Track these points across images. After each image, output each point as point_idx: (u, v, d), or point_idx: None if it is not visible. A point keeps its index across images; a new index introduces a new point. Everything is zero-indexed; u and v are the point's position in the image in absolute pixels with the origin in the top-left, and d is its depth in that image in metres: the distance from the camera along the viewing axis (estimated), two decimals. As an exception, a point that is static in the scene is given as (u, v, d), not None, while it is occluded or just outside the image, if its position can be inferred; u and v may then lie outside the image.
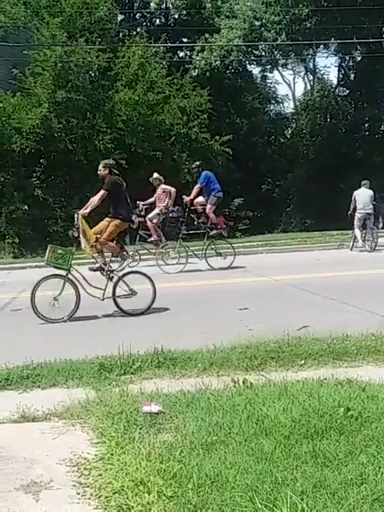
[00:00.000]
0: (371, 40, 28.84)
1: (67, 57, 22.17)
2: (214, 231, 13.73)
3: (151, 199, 14.55)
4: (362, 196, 17.01)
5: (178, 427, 3.80)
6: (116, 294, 8.42)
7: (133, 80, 24.73)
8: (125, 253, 9.10)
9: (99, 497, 3.04)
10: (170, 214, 13.67)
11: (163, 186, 14.65)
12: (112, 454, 3.47)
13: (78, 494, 3.10)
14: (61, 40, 22.28)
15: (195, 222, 13.86)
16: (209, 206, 13.67)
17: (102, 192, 8.92)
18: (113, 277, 8.60)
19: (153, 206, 14.45)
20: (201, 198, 13.78)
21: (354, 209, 16.95)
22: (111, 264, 8.89)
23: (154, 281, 8.60)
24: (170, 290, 10.88)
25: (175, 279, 12.06)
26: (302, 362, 5.31)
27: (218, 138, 26.61)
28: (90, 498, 3.05)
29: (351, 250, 16.96)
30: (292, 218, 33.11)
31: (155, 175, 14.86)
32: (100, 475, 3.26)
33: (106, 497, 3.02)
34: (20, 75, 21.90)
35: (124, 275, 8.64)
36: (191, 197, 13.71)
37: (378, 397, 4.09)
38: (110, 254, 9.08)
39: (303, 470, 3.12)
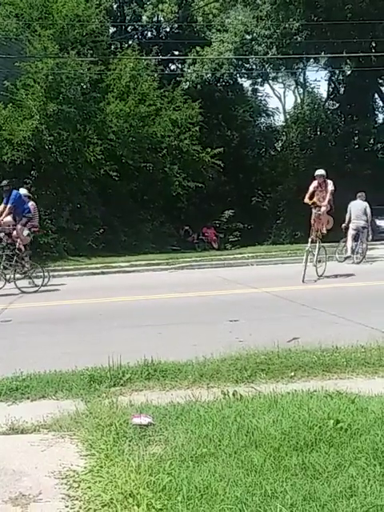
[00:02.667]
0: (361, 54, 29.12)
1: (59, 69, 22.21)
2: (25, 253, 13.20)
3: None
4: (356, 207, 17.14)
5: (167, 439, 3.79)
6: None
7: (124, 92, 24.85)
8: None
9: (88, 510, 3.02)
10: None
11: (32, 202, 14.24)
12: (101, 467, 3.45)
13: (67, 506, 3.08)
14: (52, 52, 22.32)
15: (2, 243, 13.01)
16: (19, 227, 13.06)
17: None
18: None
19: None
20: (8, 218, 13.05)
21: (349, 220, 17.05)
22: None
23: None
24: (160, 301, 10.88)
25: (162, 291, 12.06)
26: (292, 373, 5.31)
27: (208, 150, 26.75)
28: (78, 511, 3.03)
29: (341, 261, 17.04)
30: (282, 230, 33.17)
31: (23, 191, 14.19)
32: (89, 488, 3.24)
33: (95, 510, 3.00)
34: (11, 87, 21.91)
35: None
36: (1, 218, 12.96)
37: (367, 409, 4.09)
38: None
39: (293, 483, 3.12)
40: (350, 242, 16.89)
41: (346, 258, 16.91)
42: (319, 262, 12.85)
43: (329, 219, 13.16)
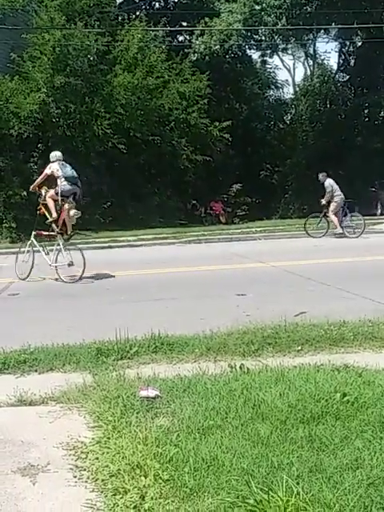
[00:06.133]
0: (372, 25, 28.59)
1: (66, 40, 21.97)
2: None
3: None
4: (336, 184, 17.50)
5: (174, 412, 3.81)
6: None
7: (132, 64, 24.55)
8: None
9: (96, 480, 3.06)
10: None
11: None
12: (109, 438, 3.48)
13: (75, 477, 3.12)
14: (59, 23, 22.07)
15: None
16: None
17: None
18: None
19: None
20: None
21: (331, 196, 17.25)
22: None
23: None
24: (167, 274, 10.89)
25: (169, 265, 12.06)
26: (299, 347, 5.32)
27: (217, 123, 26.50)
28: (86, 482, 3.07)
29: (318, 237, 17.10)
30: (290, 204, 32.99)
31: None
32: (97, 459, 3.27)
33: (103, 480, 3.04)
34: (18, 59, 21.72)
35: None
36: None
37: (374, 382, 4.10)
38: None
39: (299, 455, 3.14)
40: (338, 218, 17.08)
41: (338, 235, 16.96)
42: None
43: (51, 207, 10.57)
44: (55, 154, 10.99)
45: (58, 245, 10.54)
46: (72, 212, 10.62)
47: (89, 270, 10.18)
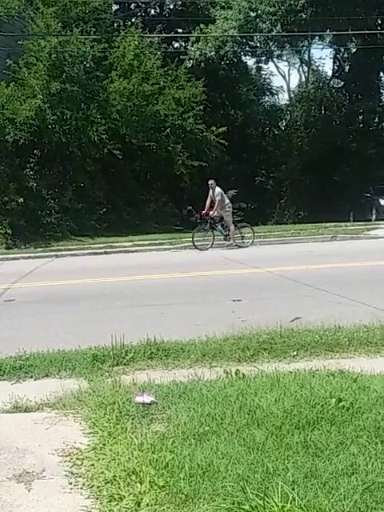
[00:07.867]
0: (366, 32, 28.77)
1: (62, 47, 22.01)
2: None
3: None
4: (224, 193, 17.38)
5: (170, 418, 3.81)
6: None
7: (128, 70, 24.64)
8: None
9: (91, 486, 3.05)
10: None
11: None
12: (104, 444, 3.47)
13: (70, 483, 3.11)
14: (55, 30, 22.12)
15: None
16: None
17: None
18: None
19: None
20: None
21: (221, 206, 17.04)
22: None
23: None
24: (163, 280, 10.89)
25: (165, 271, 12.06)
26: (295, 353, 5.32)
27: (212, 129, 26.57)
28: (82, 488, 3.05)
29: (203, 249, 16.89)
30: (285, 209, 33.12)
31: None
32: (92, 465, 3.27)
33: (98, 486, 3.03)
34: (14, 65, 21.76)
35: None
36: None
37: (369, 388, 4.10)
38: None
39: (294, 460, 3.13)
40: (233, 227, 17.16)
41: (230, 245, 17.01)
42: None
43: None
44: None
45: None
46: None
47: (85, 275, 10.15)
